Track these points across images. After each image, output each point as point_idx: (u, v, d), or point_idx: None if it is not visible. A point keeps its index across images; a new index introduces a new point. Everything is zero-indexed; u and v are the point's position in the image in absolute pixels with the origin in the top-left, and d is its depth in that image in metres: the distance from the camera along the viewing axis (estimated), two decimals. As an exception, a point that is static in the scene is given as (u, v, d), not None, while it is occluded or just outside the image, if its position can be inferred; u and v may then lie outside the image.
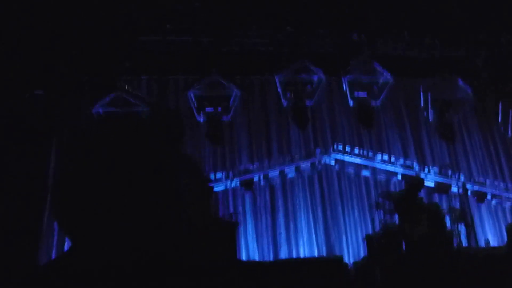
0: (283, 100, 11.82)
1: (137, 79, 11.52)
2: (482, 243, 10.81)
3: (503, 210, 12.22)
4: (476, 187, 11.87)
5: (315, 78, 11.69)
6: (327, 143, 12.04)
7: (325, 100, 12.43)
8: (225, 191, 11.11)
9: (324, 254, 11.24)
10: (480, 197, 11.80)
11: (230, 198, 11.11)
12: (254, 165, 11.43)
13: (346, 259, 11.13)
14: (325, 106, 12.42)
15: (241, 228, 10.42)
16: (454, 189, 9.92)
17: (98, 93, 11.01)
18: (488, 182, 12.14)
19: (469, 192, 11.25)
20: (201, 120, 11.51)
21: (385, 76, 11.85)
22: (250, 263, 9.24)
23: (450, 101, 12.48)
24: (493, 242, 11.54)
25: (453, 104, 12.50)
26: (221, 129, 11.47)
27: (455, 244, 8.57)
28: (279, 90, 11.75)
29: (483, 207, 11.97)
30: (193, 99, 11.37)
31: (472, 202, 10.74)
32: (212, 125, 11.35)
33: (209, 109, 11.35)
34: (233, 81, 11.61)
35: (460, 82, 12.24)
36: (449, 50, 12.86)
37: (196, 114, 11.42)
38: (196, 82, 11.42)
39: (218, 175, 11.20)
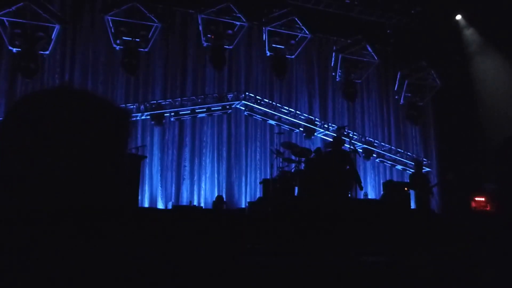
0: (203, 40, 11.86)
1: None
2: (361, 195, 12.14)
3: (384, 167, 13.73)
4: (365, 146, 13.10)
5: (237, 23, 11.80)
6: (240, 87, 12.44)
7: (244, 45, 12.69)
8: (135, 122, 11.18)
9: (224, 190, 11.94)
10: (368, 155, 13.07)
11: (139, 130, 11.23)
12: (167, 101, 11.55)
13: (243, 198, 12.02)
14: (243, 51, 12.71)
15: (147, 160, 10.65)
16: (347, 145, 10.87)
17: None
18: (376, 142, 13.45)
19: (359, 149, 12.35)
20: (117, 47, 11.23)
21: (304, 32, 12.27)
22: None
23: (357, 64, 13.32)
24: (370, 195, 13.04)
25: (359, 67, 13.36)
26: (137, 59, 11.30)
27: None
28: (200, 29, 11.73)
29: (368, 163, 13.35)
30: (111, 24, 10.97)
31: (360, 158, 11.87)
32: (128, 54, 11.13)
33: (126, 38, 11.04)
34: (154, 11, 11.33)
35: (369, 48, 13.01)
36: (365, 13, 13.48)
37: (112, 40, 11.09)
38: (114, 6, 10.96)
39: (130, 106, 11.19)
